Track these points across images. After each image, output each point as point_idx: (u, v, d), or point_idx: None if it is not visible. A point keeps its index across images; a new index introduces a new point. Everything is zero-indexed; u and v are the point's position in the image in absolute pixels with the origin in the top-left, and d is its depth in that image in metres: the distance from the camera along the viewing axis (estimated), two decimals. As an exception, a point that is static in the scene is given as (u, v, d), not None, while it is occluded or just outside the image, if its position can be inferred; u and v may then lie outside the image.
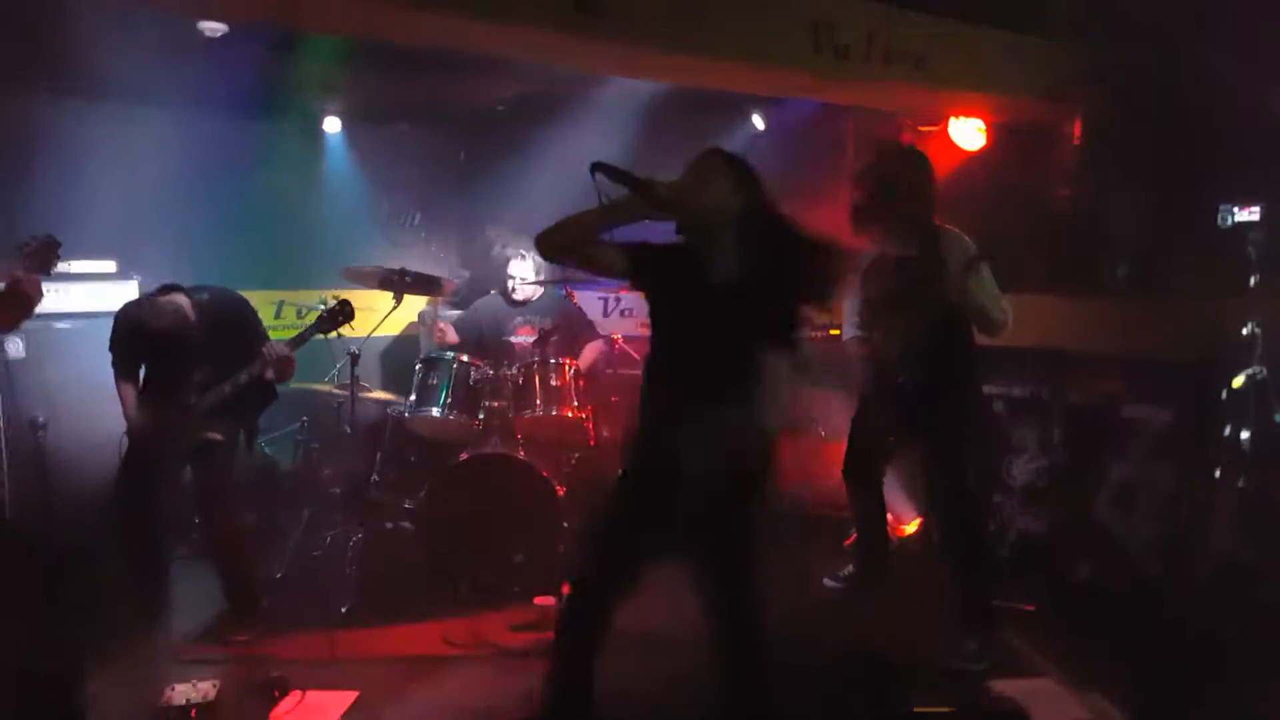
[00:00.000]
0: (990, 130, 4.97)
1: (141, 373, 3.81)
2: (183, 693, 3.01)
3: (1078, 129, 4.76)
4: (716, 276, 2.43)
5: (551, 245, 2.52)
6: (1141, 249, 4.28)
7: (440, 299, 5.50)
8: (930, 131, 5.18)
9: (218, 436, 3.67)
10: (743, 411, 2.37)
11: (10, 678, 2.63)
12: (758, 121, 5.70)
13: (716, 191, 2.44)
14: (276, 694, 3.13)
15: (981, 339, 3.51)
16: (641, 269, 2.52)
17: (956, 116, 4.96)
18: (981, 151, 5.01)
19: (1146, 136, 4.30)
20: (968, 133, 5.00)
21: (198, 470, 3.72)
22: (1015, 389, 4.47)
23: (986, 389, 4.49)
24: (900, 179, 3.42)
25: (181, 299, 3.66)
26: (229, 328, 3.75)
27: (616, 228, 2.46)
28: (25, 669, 2.67)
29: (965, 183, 4.90)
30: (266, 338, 3.79)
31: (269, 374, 3.73)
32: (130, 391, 3.77)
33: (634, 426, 2.57)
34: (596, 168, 2.41)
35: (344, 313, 3.81)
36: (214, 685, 3.07)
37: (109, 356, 3.79)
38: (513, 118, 5.66)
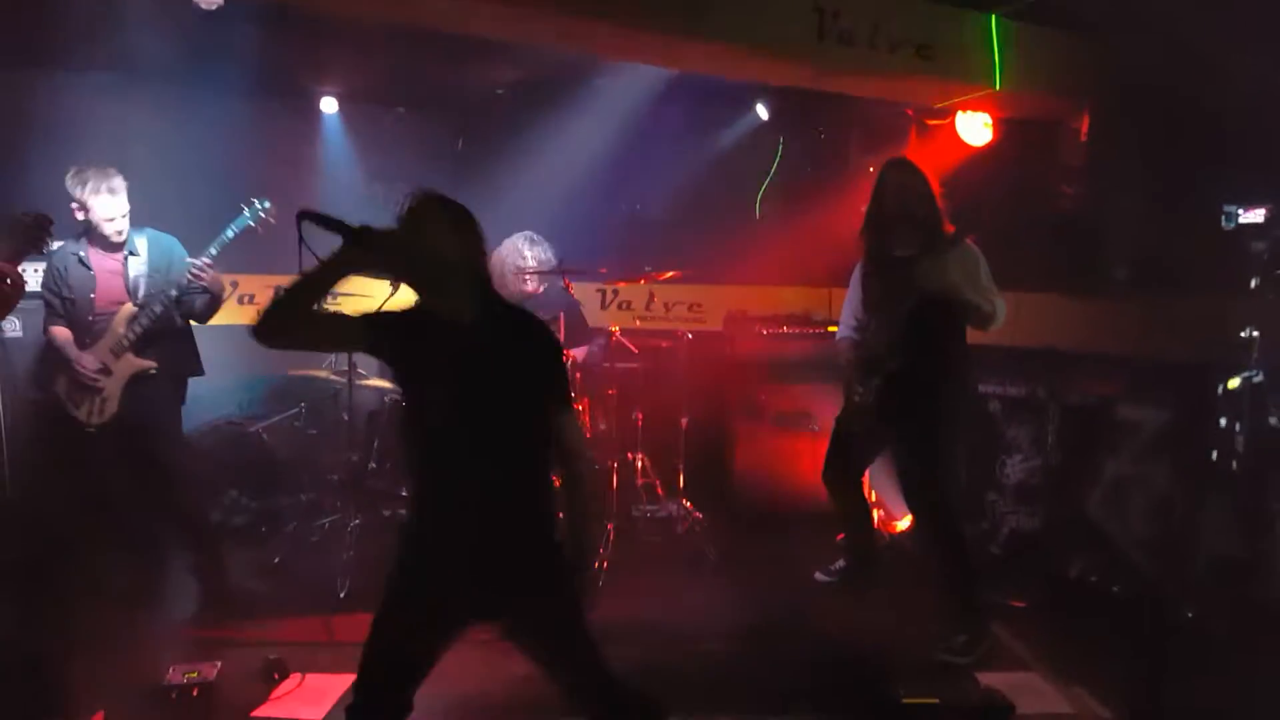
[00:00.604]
0: (997, 125, 4.97)
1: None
2: (184, 672, 3.06)
3: (1085, 126, 4.75)
4: (456, 342, 2.15)
5: (274, 328, 2.09)
6: (1143, 249, 4.29)
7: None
8: (937, 126, 5.18)
9: (148, 363, 3.63)
10: (508, 501, 2.16)
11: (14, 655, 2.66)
12: (761, 112, 5.69)
13: (435, 238, 2.14)
14: (276, 676, 3.18)
15: (980, 338, 3.55)
16: (380, 337, 2.19)
17: (963, 111, 4.96)
18: (988, 147, 5.01)
19: (1153, 135, 4.30)
20: (974, 127, 5.00)
21: (136, 404, 3.64)
22: (1011, 388, 4.51)
23: (983, 388, 4.54)
24: (905, 191, 3.46)
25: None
26: (163, 265, 3.70)
27: (334, 284, 2.10)
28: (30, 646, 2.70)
29: (970, 178, 4.92)
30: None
31: (203, 287, 3.66)
32: (64, 334, 3.67)
33: (407, 515, 2.37)
34: (303, 216, 2.05)
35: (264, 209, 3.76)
36: (215, 666, 3.13)
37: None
38: (511, 103, 5.63)
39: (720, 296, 5.71)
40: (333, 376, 4.68)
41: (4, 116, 4.72)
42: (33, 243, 3.20)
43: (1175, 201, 4.09)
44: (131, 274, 3.66)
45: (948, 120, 5.03)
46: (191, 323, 3.84)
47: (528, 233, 4.74)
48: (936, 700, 3.06)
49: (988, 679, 3.23)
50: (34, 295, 3.60)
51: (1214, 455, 3.68)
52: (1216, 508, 3.72)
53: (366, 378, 4.64)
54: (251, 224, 3.76)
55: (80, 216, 3.61)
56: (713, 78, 4.80)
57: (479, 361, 2.14)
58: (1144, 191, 4.20)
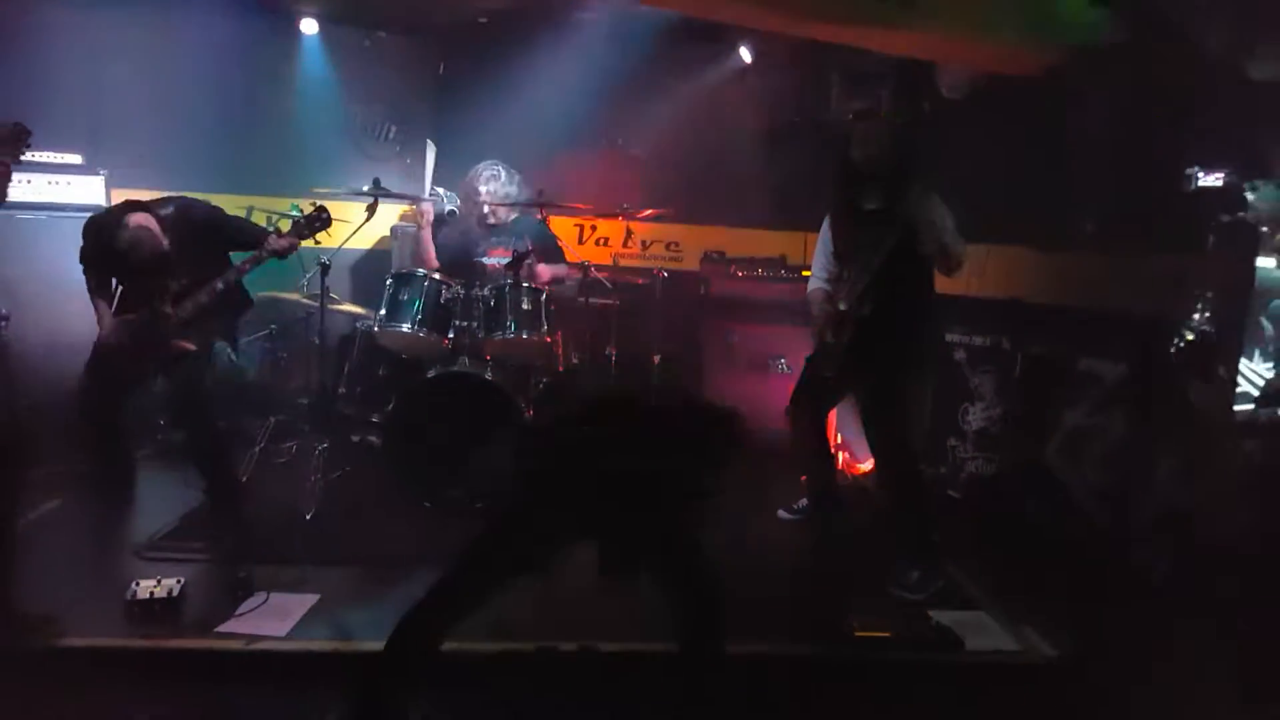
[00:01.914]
0: (974, 78, 4.95)
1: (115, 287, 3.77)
2: (147, 588, 3.06)
3: (1060, 82, 4.75)
4: None
5: None
6: (1110, 206, 4.34)
7: (414, 215, 5.45)
8: (916, 75, 5.14)
9: (192, 347, 3.67)
10: None
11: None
12: (744, 54, 5.63)
13: None
14: (241, 594, 3.20)
15: (947, 288, 3.60)
16: None
17: (941, 62, 4.93)
18: (963, 100, 5.00)
19: (1124, 95, 4.32)
20: (952, 80, 4.98)
21: (174, 380, 3.73)
22: (977, 338, 4.58)
23: (949, 337, 4.61)
24: (873, 144, 3.48)
25: (147, 220, 3.59)
26: (199, 238, 3.71)
27: None
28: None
29: (945, 130, 4.92)
30: (244, 236, 3.77)
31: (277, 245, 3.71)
32: (104, 306, 3.73)
33: None
34: None
35: (320, 219, 3.79)
36: (178, 582, 3.12)
37: (78, 266, 3.74)
38: (495, 31, 5.52)
39: (698, 237, 5.71)
40: (305, 299, 4.64)
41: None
42: (10, 152, 3.13)
43: (1142, 161, 4.14)
44: (172, 256, 3.63)
45: (927, 71, 5.01)
46: None
47: (491, 162, 4.70)
48: (888, 634, 3.17)
49: (939, 616, 3.33)
50: (5, 206, 3.54)
51: (1166, 407, 3.80)
52: (1168, 457, 3.83)
53: (339, 302, 4.61)
54: (305, 235, 3.80)
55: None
56: (697, 18, 4.74)
57: None
58: (1113, 150, 4.24)
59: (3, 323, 4.25)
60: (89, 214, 3.85)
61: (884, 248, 3.44)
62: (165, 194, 3.83)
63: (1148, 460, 3.88)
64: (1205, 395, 3.77)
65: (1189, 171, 3.72)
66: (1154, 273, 4.04)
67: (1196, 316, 3.76)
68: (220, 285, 3.66)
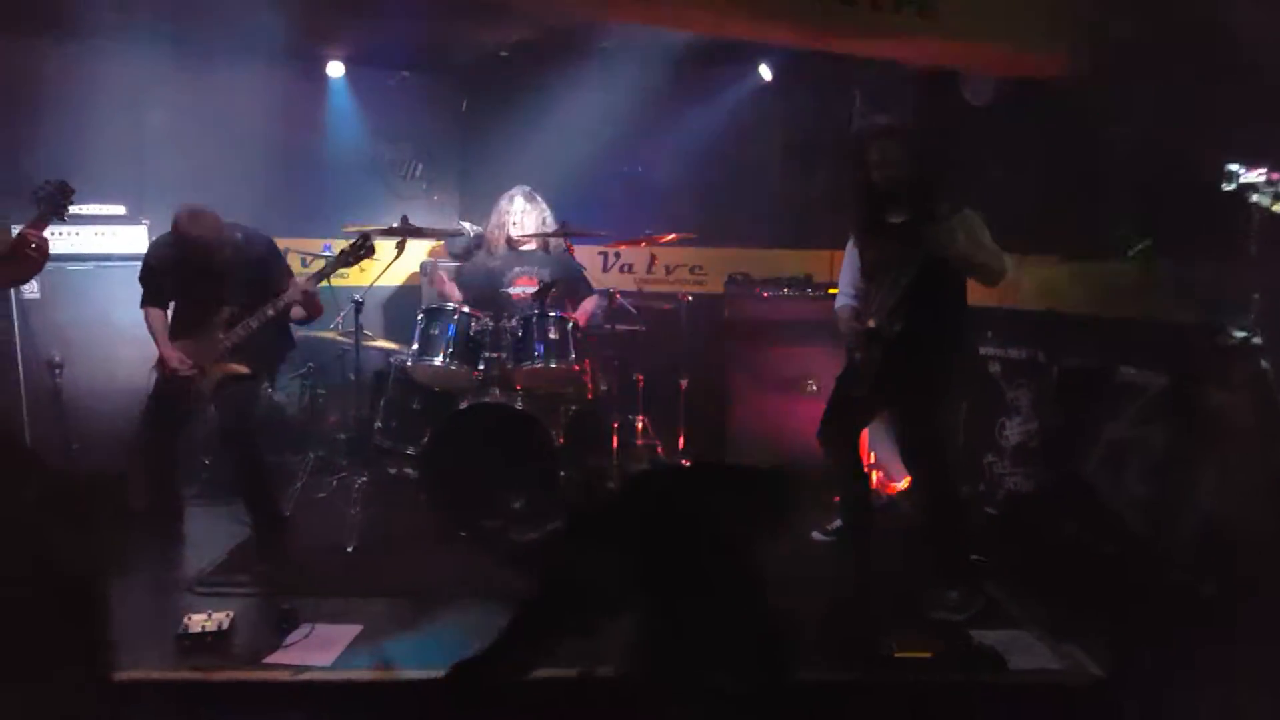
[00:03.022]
0: (1000, 85, 4.92)
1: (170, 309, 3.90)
2: (199, 621, 3.16)
3: (1087, 85, 4.71)
4: None
5: None
6: (1145, 209, 4.27)
7: (443, 251, 5.55)
8: (941, 87, 5.13)
9: (244, 370, 3.79)
10: None
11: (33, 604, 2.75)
12: (764, 72, 5.66)
13: None
14: (287, 625, 3.27)
15: (981, 300, 3.57)
16: None
17: (966, 70, 4.91)
18: (988, 107, 4.98)
19: (1156, 93, 4.26)
20: (979, 89, 4.96)
21: (224, 406, 3.83)
22: (1012, 351, 4.52)
23: (983, 350, 4.56)
24: (891, 160, 3.46)
25: (211, 217, 3.70)
26: (257, 265, 3.83)
27: None
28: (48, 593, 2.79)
29: (970, 140, 4.89)
30: (285, 275, 3.87)
31: (296, 312, 3.82)
32: (160, 321, 3.86)
33: None
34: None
35: (365, 247, 3.88)
36: (228, 616, 3.22)
37: (127, 313, 3.91)
38: (515, 65, 5.62)
39: (722, 259, 5.72)
40: (339, 338, 4.75)
41: (15, 84, 4.76)
42: (55, 210, 3.27)
43: (1177, 161, 4.06)
44: (228, 278, 3.76)
45: (950, 80, 4.99)
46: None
47: (518, 189, 4.76)
48: (929, 654, 3.14)
49: (980, 636, 3.28)
50: (51, 258, 3.69)
51: (1212, 418, 3.71)
52: (1213, 470, 3.74)
53: (373, 338, 4.71)
54: (351, 262, 3.90)
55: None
56: (716, 38, 4.78)
57: None
58: (1147, 152, 4.17)
59: (57, 370, 4.44)
60: (135, 262, 3.98)
61: (914, 263, 3.42)
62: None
63: (1192, 473, 3.80)
64: (1252, 404, 3.69)
65: (1230, 168, 3.61)
66: (1195, 277, 3.97)
67: (1242, 322, 3.67)
68: (270, 312, 3.75)
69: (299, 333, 5.14)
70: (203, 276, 3.74)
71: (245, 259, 3.79)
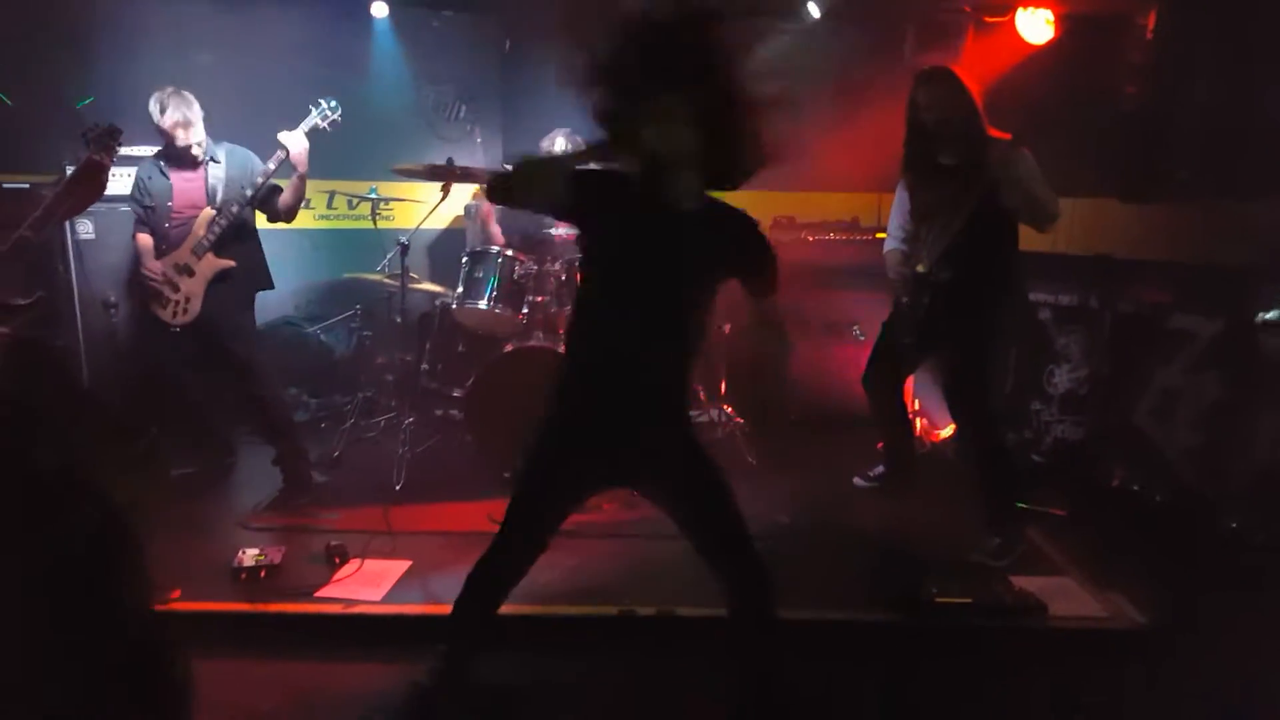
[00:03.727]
0: (1059, 22, 4.75)
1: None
2: (253, 556, 3.29)
3: (1152, 21, 4.52)
4: (649, 225, 2.32)
5: (503, 195, 2.46)
6: (1205, 151, 4.12)
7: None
8: (996, 24, 4.97)
9: (230, 263, 3.85)
10: (657, 372, 2.37)
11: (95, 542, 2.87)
12: (813, 9, 5.50)
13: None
14: (337, 560, 3.38)
15: (1032, 245, 3.49)
16: (581, 203, 2.37)
17: (1024, 7, 4.74)
18: (1048, 45, 4.80)
19: (1223, 30, 4.08)
20: (1035, 24, 4.79)
21: (218, 315, 3.87)
22: (1063, 296, 4.43)
23: (1034, 296, 4.48)
24: (940, 103, 3.36)
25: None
26: (239, 174, 3.88)
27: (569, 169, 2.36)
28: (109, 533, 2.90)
29: (1029, 79, 4.73)
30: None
31: (285, 199, 3.89)
32: (144, 244, 3.92)
33: (563, 365, 2.54)
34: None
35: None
36: (281, 551, 3.35)
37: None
38: (558, 4, 5.52)
39: (766, 202, 5.63)
40: (386, 280, 4.79)
41: (67, 28, 4.80)
42: (104, 151, 3.32)
43: (1240, 101, 3.90)
44: (210, 181, 3.86)
45: (1007, 17, 4.82)
46: (258, 231, 4.05)
47: (561, 129, 4.73)
48: (969, 600, 3.15)
49: (1022, 582, 3.27)
50: (104, 199, 3.75)
51: (1265, 364, 3.62)
52: (1267, 417, 3.66)
53: (419, 281, 4.75)
54: (319, 123, 3.89)
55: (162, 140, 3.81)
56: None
57: (662, 246, 2.29)
58: (1209, 91, 4.00)
59: (112, 309, 4.55)
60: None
61: (965, 207, 3.34)
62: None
63: (1245, 420, 3.72)
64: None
65: None
66: (1251, 220, 3.84)
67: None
68: (235, 209, 3.81)
69: (345, 277, 5.23)
70: (183, 178, 3.84)
71: (227, 164, 3.87)
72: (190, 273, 3.83)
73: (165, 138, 3.80)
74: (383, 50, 5.54)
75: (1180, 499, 3.88)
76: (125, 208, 4.68)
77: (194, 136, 3.81)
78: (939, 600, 3.13)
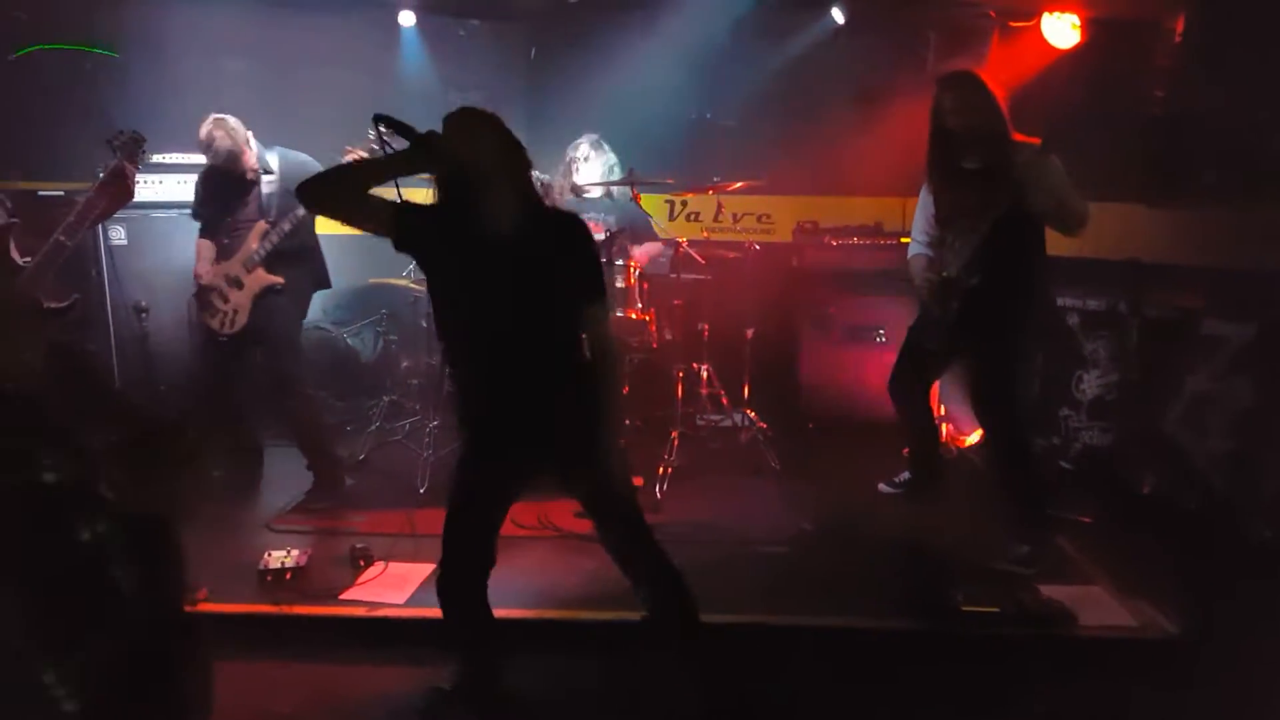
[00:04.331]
0: (1085, 26, 4.71)
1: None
2: (279, 558, 3.32)
3: (1180, 25, 4.47)
4: (485, 243, 2.35)
5: (319, 194, 2.42)
6: (1233, 154, 4.06)
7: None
8: (1022, 28, 4.94)
9: (278, 280, 3.88)
10: (540, 383, 2.42)
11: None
12: (837, 15, 5.49)
13: (484, 152, 2.35)
14: (362, 563, 3.41)
15: (1060, 249, 3.46)
16: (408, 232, 2.39)
17: (1050, 11, 4.71)
18: (1074, 50, 4.77)
19: (1251, 33, 4.03)
20: (1061, 29, 4.76)
21: (264, 326, 3.92)
22: (1091, 301, 4.38)
23: (1061, 301, 4.43)
24: (964, 108, 3.34)
25: (234, 126, 3.84)
26: (295, 183, 3.89)
27: (392, 179, 2.39)
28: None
29: (1055, 83, 4.70)
30: None
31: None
32: (204, 249, 3.98)
33: (459, 396, 2.60)
34: (378, 120, 2.36)
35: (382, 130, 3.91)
36: (306, 553, 3.37)
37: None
38: (583, 12, 5.56)
39: (790, 207, 5.63)
40: (412, 285, 4.84)
41: (100, 36, 4.90)
42: (130, 158, 3.38)
43: (1268, 104, 3.85)
44: (264, 192, 3.90)
45: (1033, 22, 4.79)
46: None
47: (590, 136, 4.75)
48: (996, 609, 3.11)
49: (1050, 591, 3.23)
50: (136, 206, 3.82)
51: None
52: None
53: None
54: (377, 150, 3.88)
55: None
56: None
57: (505, 261, 2.33)
58: (1237, 94, 3.95)
59: (143, 314, 4.62)
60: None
61: (992, 212, 3.31)
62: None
63: (1276, 427, 3.65)
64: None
65: None
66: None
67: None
68: (287, 226, 3.84)
69: (371, 282, 5.27)
70: (237, 193, 3.88)
71: (280, 174, 3.89)
72: (239, 285, 3.88)
73: (237, 171, 3.86)
74: (410, 58, 5.59)
75: (1211, 507, 3.82)
76: (157, 214, 4.79)
77: (247, 163, 3.86)
78: (966, 608, 3.10)
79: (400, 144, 2.36)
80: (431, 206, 2.47)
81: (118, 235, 4.67)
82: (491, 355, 2.41)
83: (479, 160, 2.34)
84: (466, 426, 2.55)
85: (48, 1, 4.77)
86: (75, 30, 4.86)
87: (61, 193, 4.40)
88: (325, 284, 4.19)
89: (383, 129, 2.35)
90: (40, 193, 4.47)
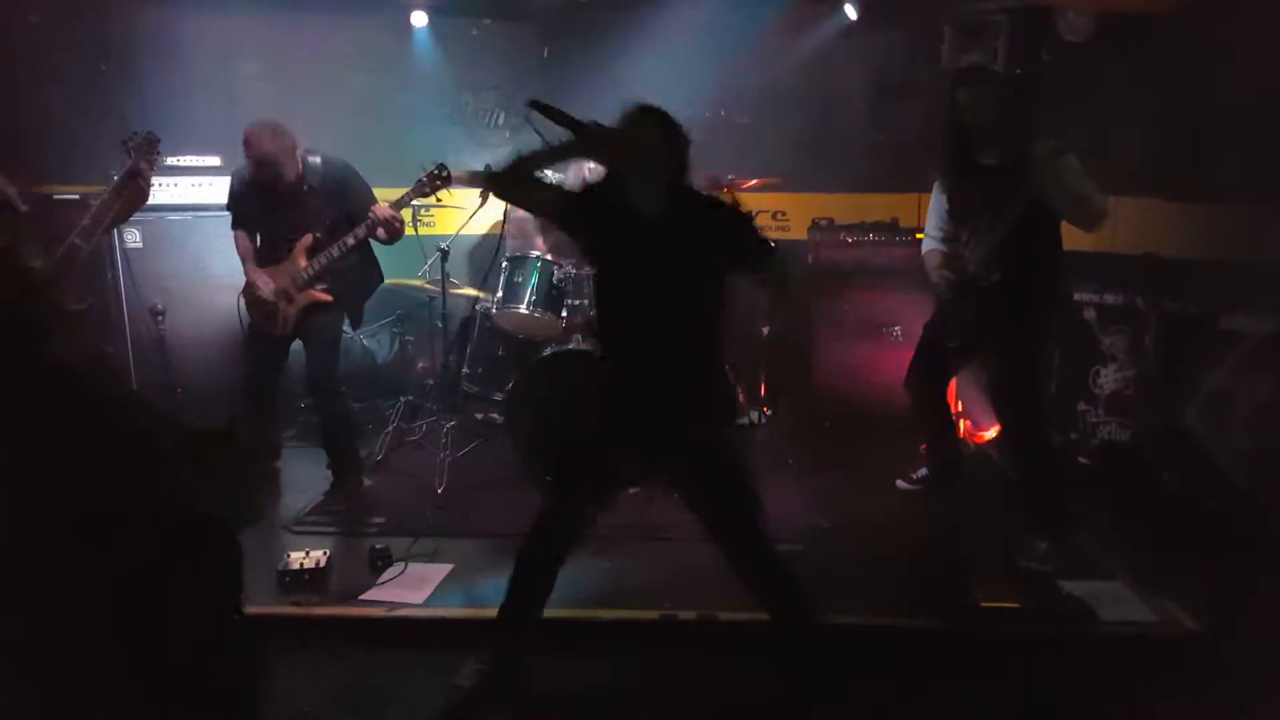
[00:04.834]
0: (1100, 20, 4.68)
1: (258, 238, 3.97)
2: (298, 559, 3.33)
3: (1197, 17, 4.43)
4: (644, 226, 2.48)
5: (504, 185, 2.61)
6: (1252, 148, 4.03)
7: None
8: (1036, 23, 4.89)
9: (328, 297, 3.85)
10: (683, 354, 2.53)
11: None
12: (850, 11, 5.48)
13: (649, 144, 2.48)
14: (381, 564, 3.42)
15: (1077, 244, 3.44)
16: (576, 214, 2.61)
17: (1064, 6, 4.68)
18: (1089, 44, 4.73)
19: (1266, 25, 3.99)
20: (1075, 24, 4.72)
21: (310, 350, 3.93)
22: (1108, 296, 4.36)
23: (1078, 296, 4.41)
24: (980, 102, 3.33)
25: (282, 135, 3.73)
26: (337, 190, 3.85)
27: (556, 167, 2.53)
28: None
29: (1069, 78, 4.67)
30: (374, 200, 3.90)
31: (379, 233, 3.82)
32: (244, 243, 3.94)
33: (598, 373, 2.76)
34: (533, 106, 2.53)
35: (442, 176, 3.89)
36: (325, 554, 3.38)
37: (225, 262, 4.02)
38: (596, 10, 5.56)
39: (805, 204, 5.61)
40: (427, 285, 4.85)
41: (114, 40, 4.92)
42: (147, 160, 3.40)
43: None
44: (309, 202, 3.81)
45: (1047, 17, 4.75)
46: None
47: None
48: (1016, 605, 3.11)
49: (1070, 587, 3.24)
50: (151, 208, 3.83)
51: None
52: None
53: (459, 286, 4.80)
54: (428, 191, 3.89)
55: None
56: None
57: (658, 243, 2.45)
58: (1254, 86, 3.92)
59: (159, 317, 4.65)
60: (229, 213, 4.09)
61: (1009, 208, 3.29)
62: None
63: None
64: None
65: None
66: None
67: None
68: (351, 240, 3.79)
69: (386, 283, 5.27)
70: (281, 201, 3.79)
71: (325, 184, 3.82)
72: (289, 299, 3.84)
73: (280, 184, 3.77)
74: (423, 58, 5.59)
75: (1231, 502, 3.80)
76: (173, 217, 4.81)
77: (287, 175, 3.75)
78: (985, 605, 3.10)
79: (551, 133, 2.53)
80: (592, 192, 2.67)
81: (133, 238, 4.69)
82: (639, 328, 2.54)
83: (640, 156, 2.47)
84: (609, 394, 2.66)
85: (59, 4, 4.79)
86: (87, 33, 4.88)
87: (77, 196, 4.42)
88: (378, 281, 4.15)
89: (537, 115, 2.51)
90: (56, 196, 4.49)
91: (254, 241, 3.96)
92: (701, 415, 2.59)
